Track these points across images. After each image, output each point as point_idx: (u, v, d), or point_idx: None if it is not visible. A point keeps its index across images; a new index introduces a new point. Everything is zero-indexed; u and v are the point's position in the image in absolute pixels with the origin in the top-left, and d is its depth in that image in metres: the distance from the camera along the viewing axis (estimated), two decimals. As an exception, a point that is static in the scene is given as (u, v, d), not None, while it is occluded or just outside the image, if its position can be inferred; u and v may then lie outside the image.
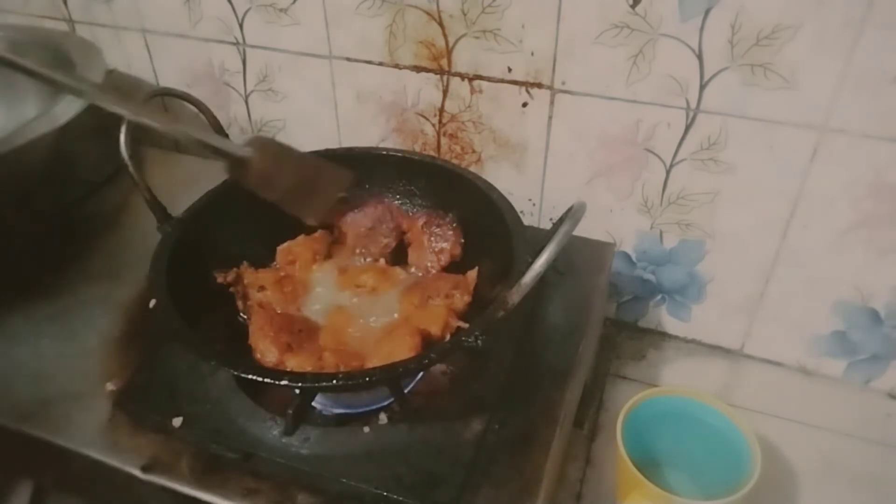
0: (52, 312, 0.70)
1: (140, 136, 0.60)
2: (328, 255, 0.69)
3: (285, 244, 0.68)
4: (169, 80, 0.92)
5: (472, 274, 0.63)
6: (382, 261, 0.68)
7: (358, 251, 0.69)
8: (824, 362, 0.79)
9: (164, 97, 0.91)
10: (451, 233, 0.66)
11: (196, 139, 0.53)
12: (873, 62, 0.59)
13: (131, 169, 0.60)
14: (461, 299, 0.61)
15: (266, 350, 0.56)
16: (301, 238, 0.69)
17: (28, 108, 0.85)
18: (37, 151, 0.71)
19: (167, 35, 0.88)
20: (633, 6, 0.64)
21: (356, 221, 0.69)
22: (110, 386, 0.62)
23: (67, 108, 0.71)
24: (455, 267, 0.66)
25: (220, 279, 0.64)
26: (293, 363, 0.56)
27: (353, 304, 0.63)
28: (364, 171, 0.72)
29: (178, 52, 0.89)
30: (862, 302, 0.72)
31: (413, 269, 0.67)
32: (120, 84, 0.93)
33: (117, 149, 0.59)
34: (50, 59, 0.83)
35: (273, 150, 0.56)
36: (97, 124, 0.77)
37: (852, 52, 0.59)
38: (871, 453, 0.72)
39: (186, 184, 0.70)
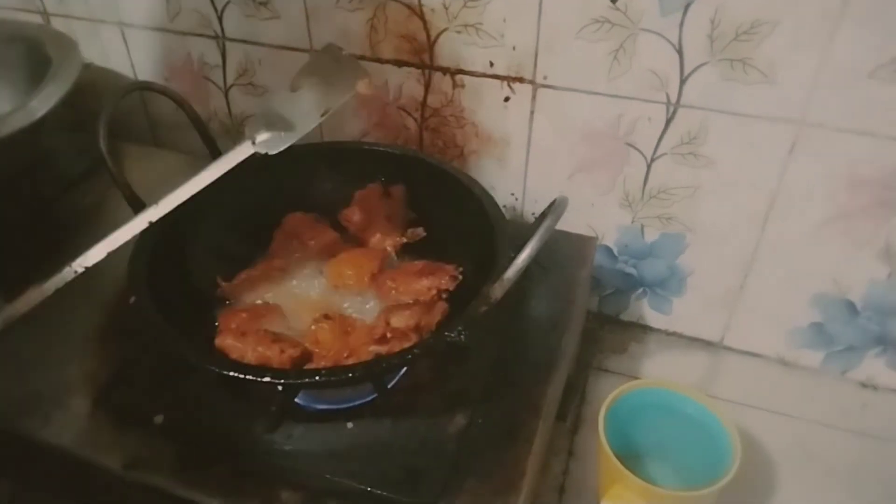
0: (31, 310, 0.69)
1: (118, 130, 0.59)
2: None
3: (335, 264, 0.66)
4: (147, 74, 0.91)
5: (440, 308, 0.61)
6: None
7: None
8: (802, 353, 0.80)
9: (143, 91, 0.90)
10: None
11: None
12: (850, 57, 0.59)
13: (109, 164, 0.59)
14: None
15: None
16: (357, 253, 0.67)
17: (3, 102, 0.83)
18: (13, 147, 0.70)
19: (145, 28, 0.87)
20: (613, 1, 0.64)
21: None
22: (90, 383, 0.61)
23: (44, 103, 0.70)
24: (438, 259, 0.66)
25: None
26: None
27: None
28: (346, 165, 0.72)
29: (156, 45, 0.88)
30: (839, 294, 0.73)
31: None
32: (97, 78, 0.92)
33: (95, 143, 0.58)
34: (24, 52, 0.81)
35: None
36: (74, 119, 0.76)
37: (829, 48, 0.59)
38: (847, 442, 0.74)
39: (165, 179, 0.69)
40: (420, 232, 0.69)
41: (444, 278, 0.62)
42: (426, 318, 0.58)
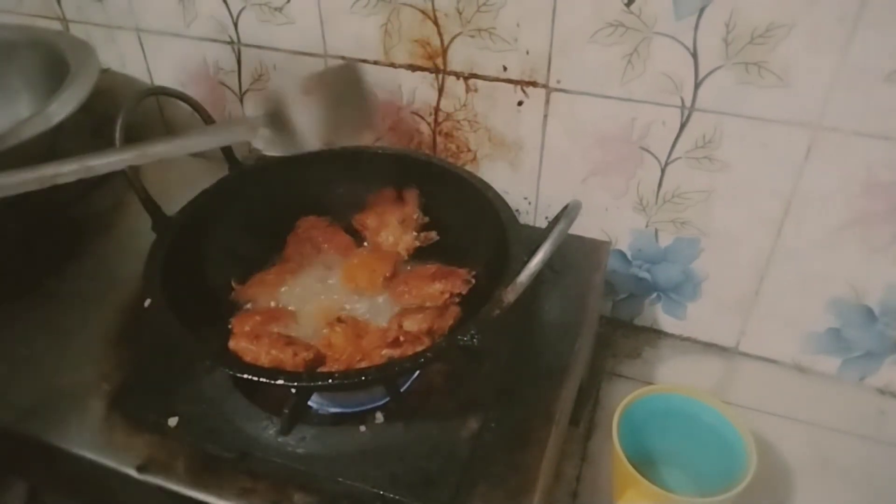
0: (47, 313, 0.70)
1: (134, 135, 0.60)
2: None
3: (348, 268, 0.67)
4: (163, 79, 0.92)
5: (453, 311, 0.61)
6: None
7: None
8: (819, 359, 0.79)
9: (159, 96, 0.91)
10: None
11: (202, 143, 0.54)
12: (866, 60, 0.59)
13: (126, 168, 0.60)
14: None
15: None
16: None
17: (22, 107, 0.84)
18: (31, 151, 0.70)
19: (162, 34, 0.88)
20: (627, 5, 0.64)
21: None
22: (105, 386, 0.62)
23: (62, 108, 0.71)
24: (451, 262, 0.66)
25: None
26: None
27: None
28: (360, 170, 0.72)
29: (172, 51, 0.89)
30: (856, 299, 0.72)
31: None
32: (114, 83, 0.93)
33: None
34: (44, 58, 0.83)
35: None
36: (92, 124, 0.77)
37: (845, 51, 0.59)
38: (864, 450, 0.73)
39: (181, 183, 0.70)
40: (433, 236, 0.69)
41: (456, 282, 0.62)
42: (439, 321, 0.58)
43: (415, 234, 0.69)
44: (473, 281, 0.62)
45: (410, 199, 0.70)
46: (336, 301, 0.64)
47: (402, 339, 0.56)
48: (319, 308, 0.63)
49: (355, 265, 0.66)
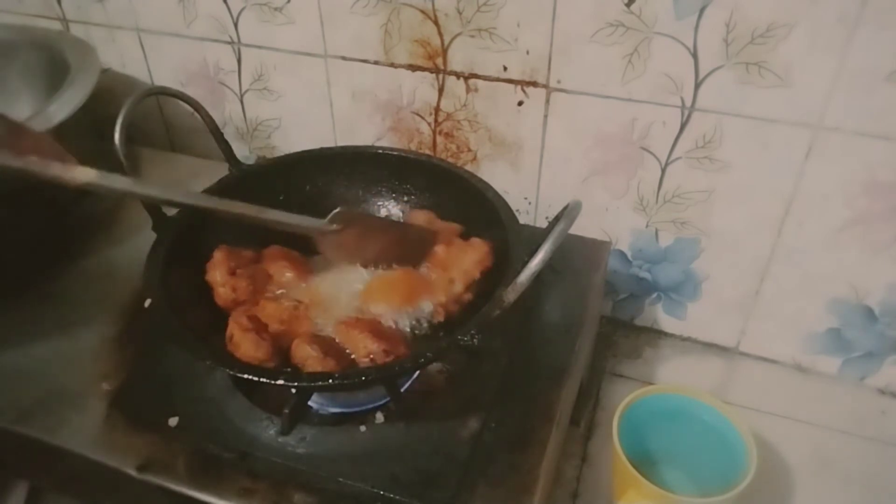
0: (48, 313, 0.70)
1: (135, 135, 0.60)
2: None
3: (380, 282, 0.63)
4: (164, 80, 0.92)
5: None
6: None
7: None
8: (819, 359, 0.79)
9: (159, 96, 0.91)
10: None
11: (277, 220, 0.57)
12: (867, 60, 0.59)
13: (126, 168, 0.60)
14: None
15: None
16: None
17: (22, 107, 0.84)
18: (31, 151, 0.70)
19: (162, 34, 0.88)
20: (627, 5, 0.64)
21: None
22: (106, 386, 0.62)
23: (62, 108, 0.71)
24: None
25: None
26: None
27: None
28: (360, 170, 0.72)
29: (172, 51, 0.89)
30: (857, 299, 0.72)
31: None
32: (114, 83, 0.93)
33: (112, 148, 0.59)
34: (44, 58, 0.83)
35: (358, 223, 0.61)
36: (92, 124, 0.77)
37: (846, 51, 0.59)
38: (865, 450, 0.73)
39: (181, 183, 0.70)
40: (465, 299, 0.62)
41: (392, 348, 0.56)
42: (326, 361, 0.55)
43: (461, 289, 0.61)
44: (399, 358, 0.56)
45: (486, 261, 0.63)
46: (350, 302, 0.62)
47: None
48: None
49: (383, 286, 0.62)
